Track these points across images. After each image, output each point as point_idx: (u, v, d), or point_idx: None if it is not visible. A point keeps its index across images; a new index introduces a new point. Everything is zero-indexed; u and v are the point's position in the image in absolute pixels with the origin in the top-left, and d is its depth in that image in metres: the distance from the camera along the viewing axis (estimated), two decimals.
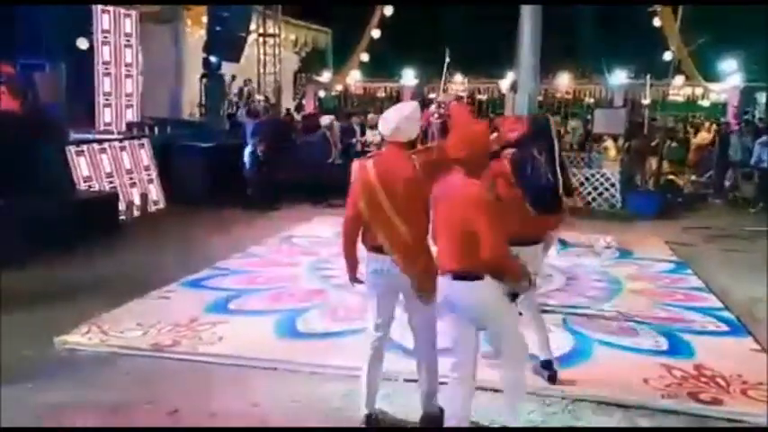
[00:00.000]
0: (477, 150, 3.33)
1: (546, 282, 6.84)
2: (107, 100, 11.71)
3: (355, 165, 3.64)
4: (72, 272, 6.78)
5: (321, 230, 8.85)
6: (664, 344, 5.14)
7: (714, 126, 17.01)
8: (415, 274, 3.49)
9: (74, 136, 9.78)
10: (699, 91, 20.31)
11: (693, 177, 14.28)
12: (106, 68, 11.62)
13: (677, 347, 5.07)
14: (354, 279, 3.78)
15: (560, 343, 4.99)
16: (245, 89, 16.37)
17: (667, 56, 17.41)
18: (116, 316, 5.45)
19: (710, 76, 19.92)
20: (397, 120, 3.56)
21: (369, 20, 20.18)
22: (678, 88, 19.66)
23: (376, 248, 3.56)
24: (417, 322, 3.66)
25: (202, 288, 6.39)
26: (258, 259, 7.62)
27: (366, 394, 3.69)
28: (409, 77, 21.90)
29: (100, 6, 11.40)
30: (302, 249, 8.09)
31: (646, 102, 17.36)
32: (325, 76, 21.73)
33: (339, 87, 22.78)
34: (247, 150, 10.81)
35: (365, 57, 21.33)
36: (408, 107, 3.70)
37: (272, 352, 4.79)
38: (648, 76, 16.98)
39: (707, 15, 17.22)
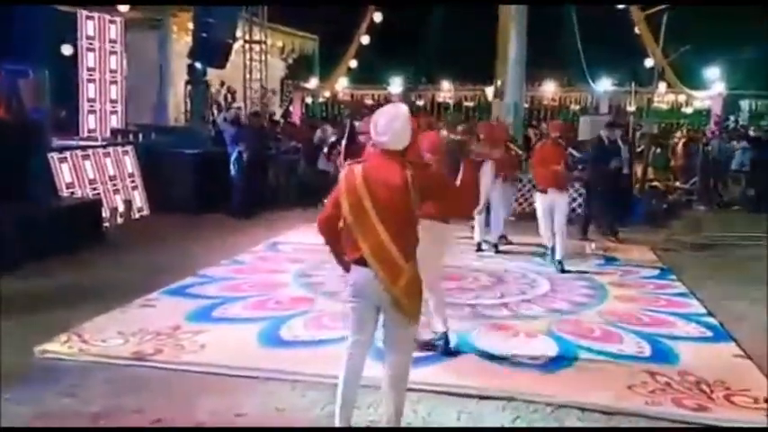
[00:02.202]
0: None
1: (530, 288, 6.88)
2: (91, 106, 11.65)
3: (343, 169, 3.50)
4: (53, 279, 6.70)
5: (308, 237, 8.79)
6: (647, 350, 5.15)
7: (690, 132, 17.20)
8: (396, 291, 3.29)
9: (57, 142, 9.70)
10: (682, 98, 20.48)
11: (678, 184, 14.38)
12: (90, 75, 11.57)
13: (661, 353, 5.08)
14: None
15: (544, 349, 4.99)
16: (224, 92, 16.31)
17: (649, 63, 17.58)
18: (97, 324, 5.38)
19: (694, 83, 20.08)
20: (393, 129, 3.34)
21: (357, 26, 20.18)
22: (662, 95, 19.81)
23: (357, 260, 3.36)
24: (395, 341, 3.44)
25: (186, 296, 6.32)
26: (243, 266, 7.57)
27: (340, 409, 3.51)
28: (397, 84, 21.91)
29: (85, 12, 11.35)
30: (288, 256, 8.05)
31: (631, 109, 17.48)
32: (313, 83, 21.68)
33: (327, 94, 22.74)
34: (232, 157, 10.76)
35: (353, 63, 21.32)
36: (401, 113, 3.38)
37: (255, 360, 4.75)
38: (633, 84, 17.09)
39: (690, 24, 17.37)
